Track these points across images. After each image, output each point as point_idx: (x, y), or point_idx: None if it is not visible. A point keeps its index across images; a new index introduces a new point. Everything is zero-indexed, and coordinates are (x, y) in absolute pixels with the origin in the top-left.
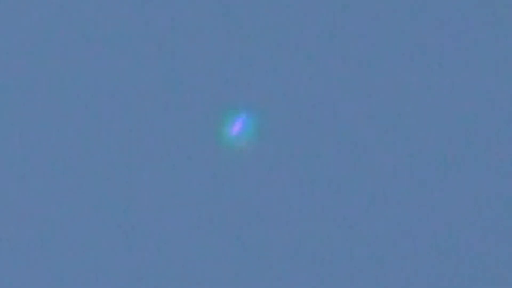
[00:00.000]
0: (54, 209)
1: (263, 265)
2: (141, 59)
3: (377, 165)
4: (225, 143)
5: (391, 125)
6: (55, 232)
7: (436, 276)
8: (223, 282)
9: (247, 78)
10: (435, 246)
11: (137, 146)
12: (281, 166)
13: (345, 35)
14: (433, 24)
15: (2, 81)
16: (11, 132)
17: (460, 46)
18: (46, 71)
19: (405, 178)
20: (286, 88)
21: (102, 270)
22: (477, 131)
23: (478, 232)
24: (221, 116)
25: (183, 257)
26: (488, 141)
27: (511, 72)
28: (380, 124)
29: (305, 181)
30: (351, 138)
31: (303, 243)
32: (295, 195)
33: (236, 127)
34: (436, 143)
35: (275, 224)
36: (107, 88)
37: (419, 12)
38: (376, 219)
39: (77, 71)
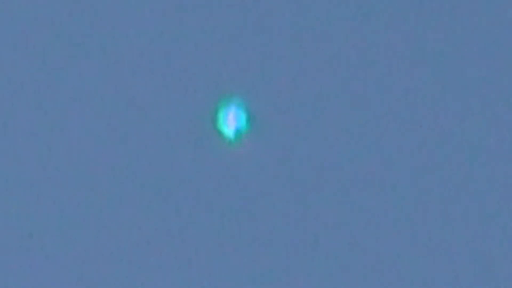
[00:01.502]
0: (54, 209)
1: (260, 263)
2: (136, 55)
3: (373, 159)
4: (221, 138)
5: (387, 122)
6: (55, 232)
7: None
8: (220, 282)
9: (242, 73)
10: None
11: (133, 143)
12: (276, 161)
13: (340, 30)
14: (432, 24)
15: (3, 81)
16: (10, 131)
17: (459, 46)
18: (44, 70)
19: (403, 176)
20: (282, 84)
21: (100, 269)
22: (477, 131)
23: (478, 232)
24: (216, 111)
25: (181, 256)
26: (488, 142)
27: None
28: (376, 119)
29: (300, 177)
30: (347, 134)
31: (300, 240)
32: (290, 191)
33: (231, 122)
34: (434, 145)
35: (271, 221)
36: (100, 84)
37: (417, 12)
38: (374, 215)
39: (71, 68)
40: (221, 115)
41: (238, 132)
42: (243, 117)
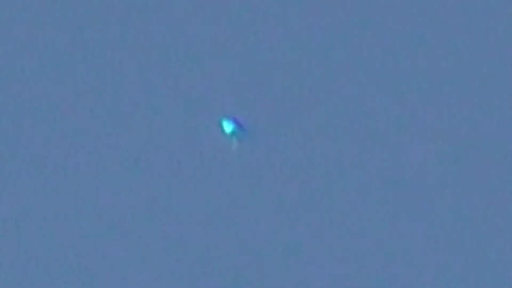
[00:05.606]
0: (57, 209)
1: (259, 265)
2: (138, 62)
3: (372, 163)
4: (218, 143)
5: (385, 125)
6: (57, 232)
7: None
8: (219, 282)
9: (240, 80)
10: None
11: (132, 149)
12: (274, 167)
13: (339, 36)
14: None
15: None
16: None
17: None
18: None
19: (402, 179)
20: (279, 90)
21: (103, 270)
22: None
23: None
24: (214, 117)
25: (180, 258)
26: (489, 142)
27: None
28: (374, 123)
29: (297, 182)
30: (346, 139)
31: (297, 243)
32: (288, 196)
33: (229, 128)
34: (431, 148)
35: (269, 225)
36: (103, 91)
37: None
38: (373, 217)
39: (77, 74)
40: (221, 122)
41: (237, 138)
42: (242, 124)
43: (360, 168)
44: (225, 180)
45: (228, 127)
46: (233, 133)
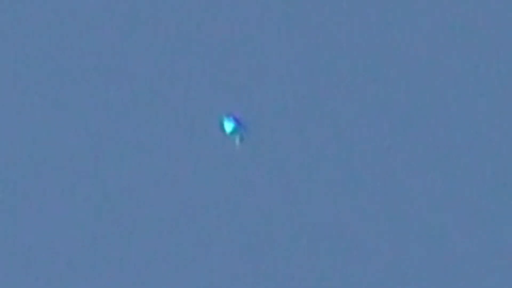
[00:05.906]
0: (57, 209)
1: (259, 264)
2: (138, 61)
3: (370, 163)
4: (219, 140)
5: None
6: (57, 232)
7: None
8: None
9: (240, 77)
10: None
11: (133, 149)
12: (274, 164)
13: (338, 36)
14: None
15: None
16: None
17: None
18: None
19: (401, 180)
20: (280, 87)
21: (103, 270)
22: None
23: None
24: (214, 115)
25: (179, 256)
26: (488, 142)
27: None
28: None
29: (300, 181)
30: (348, 137)
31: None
32: (291, 194)
33: (230, 126)
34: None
35: (266, 223)
36: (103, 89)
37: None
38: (372, 219)
39: (76, 73)
40: (221, 119)
41: (237, 135)
42: (242, 122)
43: (362, 164)
44: (227, 179)
45: (228, 126)
46: (234, 132)
